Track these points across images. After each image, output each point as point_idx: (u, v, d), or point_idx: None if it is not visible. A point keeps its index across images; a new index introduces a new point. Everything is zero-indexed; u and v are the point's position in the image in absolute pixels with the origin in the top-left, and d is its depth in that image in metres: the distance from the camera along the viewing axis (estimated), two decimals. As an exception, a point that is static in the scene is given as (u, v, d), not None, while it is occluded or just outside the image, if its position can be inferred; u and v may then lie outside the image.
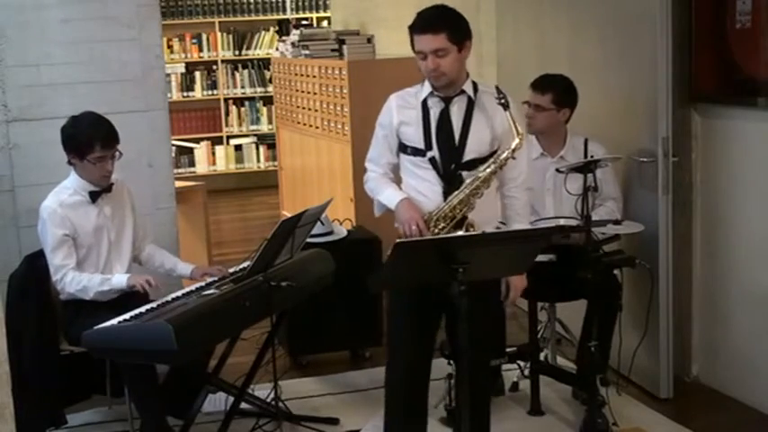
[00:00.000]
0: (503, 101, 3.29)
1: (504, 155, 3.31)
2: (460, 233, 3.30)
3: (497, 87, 3.35)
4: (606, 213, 4.16)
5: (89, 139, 3.79)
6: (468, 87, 3.39)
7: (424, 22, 3.32)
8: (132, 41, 4.55)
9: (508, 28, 5.47)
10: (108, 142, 3.81)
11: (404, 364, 3.49)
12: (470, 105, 3.38)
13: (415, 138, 3.40)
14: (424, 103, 3.40)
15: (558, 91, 4.20)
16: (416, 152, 3.40)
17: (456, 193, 3.33)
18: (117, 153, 3.87)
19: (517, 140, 3.28)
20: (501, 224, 3.57)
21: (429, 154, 3.38)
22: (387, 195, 3.45)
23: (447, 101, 3.38)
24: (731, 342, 4.37)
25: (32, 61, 4.43)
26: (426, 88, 3.41)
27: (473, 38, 3.38)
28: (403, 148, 3.45)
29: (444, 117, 3.38)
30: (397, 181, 3.53)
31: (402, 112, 3.42)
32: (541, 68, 4.37)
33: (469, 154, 3.37)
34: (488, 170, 3.32)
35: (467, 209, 3.33)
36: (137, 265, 4.13)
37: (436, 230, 3.33)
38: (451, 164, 3.36)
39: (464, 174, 3.36)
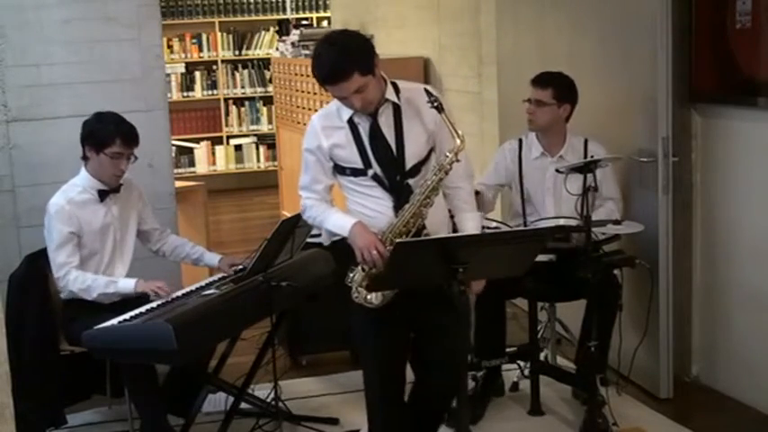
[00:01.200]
0: (436, 104, 3.14)
1: (448, 160, 3.18)
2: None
3: (427, 90, 3.21)
4: (605, 214, 4.15)
5: (112, 133, 3.82)
6: (390, 95, 3.24)
7: (331, 73, 3.10)
8: (132, 41, 4.56)
9: (508, 28, 5.46)
10: (128, 140, 3.85)
11: (378, 378, 3.43)
12: (397, 111, 3.26)
13: (352, 158, 3.25)
14: (351, 121, 3.23)
15: (558, 86, 4.19)
16: (356, 172, 3.25)
17: (407, 206, 3.19)
18: (132, 156, 3.89)
19: (458, 142, 3.15)
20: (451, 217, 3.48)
21: (370, 172, 3.24)
22: (335, 222, 3.27)
23: (374, 113, 3.22)
24: (731, 342, 4.37)
25: (32, 61, 4.44)
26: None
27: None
28: (341, 170, 3.29)
29: (375, 131, 3.23)
30: (337, 199, 3.38)
31: (330, 135, 3.25)
32: (542, 68, 4.36)
33: (411, 160, 3.25)
34: (435, 178, 3.18)
35: (420, 220, 3.21)
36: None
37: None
38: (396, 176, 3.23)
39: (410, 182, 3.25)
